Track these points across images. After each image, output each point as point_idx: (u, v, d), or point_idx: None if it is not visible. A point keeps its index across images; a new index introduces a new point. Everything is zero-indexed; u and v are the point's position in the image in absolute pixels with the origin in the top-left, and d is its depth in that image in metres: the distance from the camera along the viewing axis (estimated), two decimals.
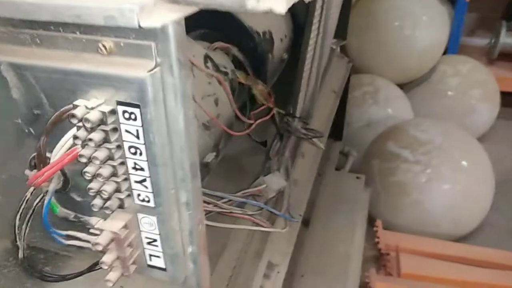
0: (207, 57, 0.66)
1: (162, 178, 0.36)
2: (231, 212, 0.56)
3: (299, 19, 1.01)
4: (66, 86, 0.34)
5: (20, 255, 0.36)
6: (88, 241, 0.40)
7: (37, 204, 0.37)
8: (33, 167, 0.39)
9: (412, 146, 1.59)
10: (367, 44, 1.90)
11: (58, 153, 0.35)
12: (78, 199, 0.40)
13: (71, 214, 0.39)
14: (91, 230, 0.39)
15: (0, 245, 0.51)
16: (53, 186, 0.37)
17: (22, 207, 0.36)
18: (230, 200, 0.57)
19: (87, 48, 0.33)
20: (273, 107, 0.75)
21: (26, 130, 0.38)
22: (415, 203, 1.53)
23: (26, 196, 0.37)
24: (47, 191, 0.38)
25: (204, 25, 0.78)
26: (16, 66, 0.34)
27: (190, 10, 0.29)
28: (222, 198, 0.56)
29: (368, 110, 1.84)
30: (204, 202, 0.51)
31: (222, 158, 0.70)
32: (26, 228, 0.36)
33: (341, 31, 1.50)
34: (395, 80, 1.96)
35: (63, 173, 0.38)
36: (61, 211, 0.39)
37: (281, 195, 0.75)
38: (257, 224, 0.60)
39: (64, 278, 0.38)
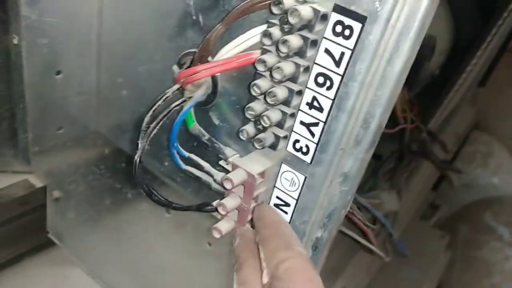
0: None
1: (339, 129, 0.27)
2: (351, 213, 0.46)
3: (460, 41, 0.89)
4: None
5: (137, 157, 0.29)
6: (209, 174, 0.32)
7: (175, 106, 0.30)
8: (181, 66, 0.32)
9: None
10: (500, 101, 1.70)
11: (228, 52, 0.27)
12: (216, 122, 0.32)
13: (205, 135, 0.31)
14: (221, 163, 0.31)
15: (97, 147, 0.45)
16: (200, 93, 0.30)
17: (158, 103, 0.29)
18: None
19: None
20: (416, 120, 0.64)
21: (194, 17, 0.30)
22: None
23: (166, 93, 0.30)
24: (189, 98, 0.30)
25: None
26: None
27: None
28: None
29: (473, 171, 1.65)
30: None
31: None
32: (154, 128, 0.29)
33: (482, 77, 1.36)
34: None
35: (214, 85, 0.31)
36: (195, 127, 0.31)
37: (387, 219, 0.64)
38: (368, 239, 0.50)
39: (171, 205, 0.31)
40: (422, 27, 0.24)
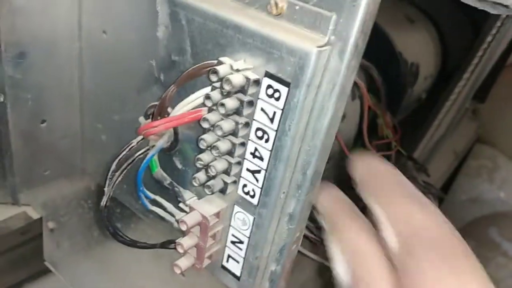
0: None
1: (278, 176, 0.30)
2: (321, 243, 0.49)
3: (450, 63, 0.91)
4: (217, 39, 0.29)
5: (103, 202, 0.32)
6: (172, 215, 0.35)
7: (139, 155, 0.33)
8: (148, 116, 0.35)
9: None
10: (503, 116, 1.70)
11: (181, 109, 0.31)
12: (179, 166, 0.35)
13: (167, 179, 0.35)
14: (180, 205, 0.35)
15: (84, 184, 0.49)
16: (161, 142, 0.33)
17: (124, 153, 0.33)
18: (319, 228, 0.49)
19: (255, 3, 0.28)
20: (397, 145, 0.66)
21: (156, 75, 0.34)
22: None
23: (131, 143, 0.33)
24: (153, 146, 0.34)
25: None
26: (173, 1, 0.31)
27: None
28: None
29: (478, 186, 1.64)
30: None
31: None
32: (119, 176, 0.32)
33: (481, 93, 1.37)
34: None
35: (175, 133, 0.34)
36: (158, 172, 0.35)
37: None
38: None
39: (135, 244, 0.34)
40: (343, 90, 0.27)
